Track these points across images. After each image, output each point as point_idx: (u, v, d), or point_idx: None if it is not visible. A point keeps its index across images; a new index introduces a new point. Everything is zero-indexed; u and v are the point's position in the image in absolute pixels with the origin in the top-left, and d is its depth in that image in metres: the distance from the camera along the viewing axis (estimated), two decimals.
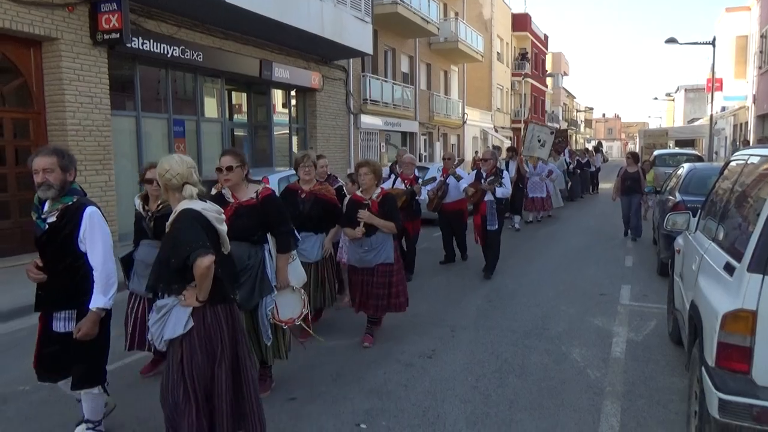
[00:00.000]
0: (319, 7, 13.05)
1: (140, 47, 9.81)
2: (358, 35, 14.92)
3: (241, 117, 14.23)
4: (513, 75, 40.14)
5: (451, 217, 8.53)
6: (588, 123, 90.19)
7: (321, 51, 14.87)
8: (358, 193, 5.24)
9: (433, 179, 7.89)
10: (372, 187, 5.16)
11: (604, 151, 27.76)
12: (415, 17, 19.34)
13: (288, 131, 15.50)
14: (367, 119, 18.88)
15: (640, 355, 5.00)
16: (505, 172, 8.20)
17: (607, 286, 7.51)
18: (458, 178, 8.21)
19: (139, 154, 10.45)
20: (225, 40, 11.97)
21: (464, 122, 29.48)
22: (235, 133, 13.76)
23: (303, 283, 4.29)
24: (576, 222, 14.22)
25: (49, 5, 8.35)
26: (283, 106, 15.41)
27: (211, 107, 12.74)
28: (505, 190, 7.96)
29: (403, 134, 22.92)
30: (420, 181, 7.67)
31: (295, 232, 4.17)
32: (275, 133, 14.78)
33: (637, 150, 26.99)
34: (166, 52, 10.33)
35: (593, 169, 22.95)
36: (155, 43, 10.10)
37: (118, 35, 8.81)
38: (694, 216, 4.99)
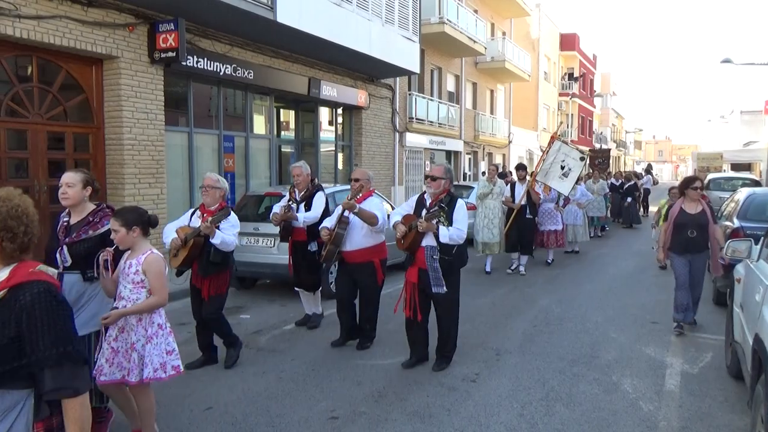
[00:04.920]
0: (368, 26, 13.21)
1: (194, 65, 10.11)
2: (405, 54, 15.02)
3: (288, 134, 14.46)
4: (560, 95, 39.63)
5: (356, 272, 5.59)
6: (638, 144, 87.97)
7: (368, 69, 15.03)
8: None
9: (228, 212, 4.74)
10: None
11: (654, 173, 26.91)
12: (462, 37, 19.36)
13: (334, 148, 15.66)
14: (412, 137, 18.91)
15: (696, 389, 4.76)
16: (460, 201, 4.98)
17: (659, 313, 7.22)
18: (366, 217, 5.31)
19: (191, 168, 10.72)
20: (275, 58, 12.23)
21: (510, 141, 29.21)
22: (282, 150, 13.99)
23: None
24: (627, 246, 13.81)
25: (111, 25, 8.72)
26: (330, 123, 15.59)
27: (259, 124, 13.00)
28: (455, 233, 4.76)
29: (448, 153, 22.85)
30: (211, 218, 4.65)
31: None
32: (321, 150, 14.95)
33: (690, 173, 26.09)
34: (218, 70, 10.62)
35: (639, 192, 22.23)
36: (209, 62, 10.40)
37: (174, 54, 9.12)
38: (755, 243, 4.77)
